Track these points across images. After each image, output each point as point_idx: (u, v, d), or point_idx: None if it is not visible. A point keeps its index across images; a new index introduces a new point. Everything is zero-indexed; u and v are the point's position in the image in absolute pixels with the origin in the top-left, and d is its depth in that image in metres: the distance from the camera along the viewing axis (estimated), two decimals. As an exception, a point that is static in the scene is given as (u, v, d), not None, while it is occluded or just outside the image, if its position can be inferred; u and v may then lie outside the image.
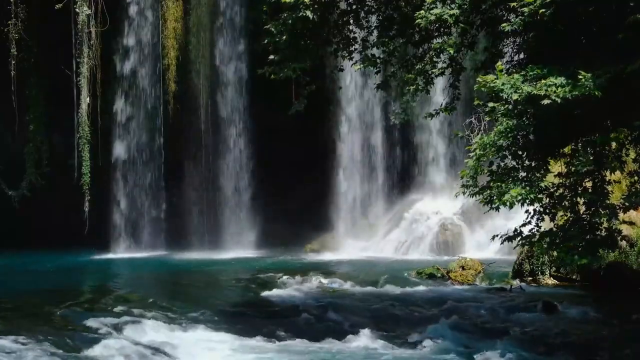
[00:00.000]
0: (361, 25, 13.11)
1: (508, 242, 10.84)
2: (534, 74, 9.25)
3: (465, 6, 10.71)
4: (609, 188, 10.13)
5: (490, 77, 9.61)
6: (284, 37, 12.24)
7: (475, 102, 10.87)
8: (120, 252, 28.72)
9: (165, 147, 29.66)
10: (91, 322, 13.20)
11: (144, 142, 29.96)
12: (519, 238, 10.71)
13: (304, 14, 11.87)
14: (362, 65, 12.90)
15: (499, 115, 9.72)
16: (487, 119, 10.65)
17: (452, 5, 10.71)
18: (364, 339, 12.59)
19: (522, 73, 9.41)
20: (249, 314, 14.89)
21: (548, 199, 10.35)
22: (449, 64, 12.03)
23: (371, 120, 29.42)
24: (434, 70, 12.15)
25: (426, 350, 12.06)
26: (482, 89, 9.68)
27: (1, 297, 16.63)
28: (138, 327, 13.06)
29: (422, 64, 12.20)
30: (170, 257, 27.31)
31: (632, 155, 10.61)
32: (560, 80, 8.94)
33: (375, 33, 13.04)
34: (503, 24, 10.39)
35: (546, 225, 10.85)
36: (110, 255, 27.97)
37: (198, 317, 14.14)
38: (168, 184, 29.82)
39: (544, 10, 9.37)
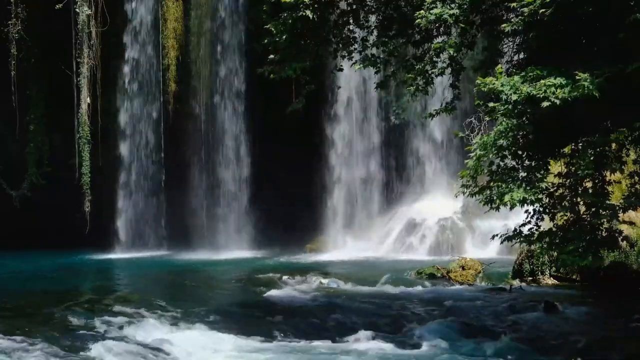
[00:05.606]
0: (361, 25, 13.10)
1: (508, 242, 10.85)
2: (533, 75, 9.24)
3: (465, 6, 10.71)
4: (610, 188, 10.12)
5: (490, 78, 9.61)
6: (284, 37, 12.23)
7: (476, 102, 10.87)
8: (121, 252, 28.75)
9: (165, 147, 29.69)
10: (91, 322, 13.20)
11: (144, 142, 30.00)
12: (518, 238, 10.71)
13: (304, 14, 11.86)
14: (362, 65, 12.90)
15: (499, 115, 9.73)
16: (487, 118, 10.65)
17: (452, 5, 10.70)
18: (364, 339, 12.59)
19: (521, 74, 9.40)
20: (249, 314, 14.88)
21: (548, 198, 10.34)
22: (449, 64, 12.03)
23: (371, 120, 29.42)
24: (434, 70, 12.14)
25: (426, 350, 12.06)
26: (482, 89, 9.68)
27: (1, 297, 16.65)
28: (138, 327, 13.06)
29: (422, 64, 12.19)
30: (171, 257, 27.33)
31: (633, 156, 10.59)
32: (560, 80, 8.93)
33: (375, 33, 13.03)
34: (503, 24, 10.39)
35: (546, 224, 10.84)
36: (110, 255, 27.98)
37: (198, 317, 14.12)
38: (168, 183, 29.85)
39: (544, 10, 9.35)
